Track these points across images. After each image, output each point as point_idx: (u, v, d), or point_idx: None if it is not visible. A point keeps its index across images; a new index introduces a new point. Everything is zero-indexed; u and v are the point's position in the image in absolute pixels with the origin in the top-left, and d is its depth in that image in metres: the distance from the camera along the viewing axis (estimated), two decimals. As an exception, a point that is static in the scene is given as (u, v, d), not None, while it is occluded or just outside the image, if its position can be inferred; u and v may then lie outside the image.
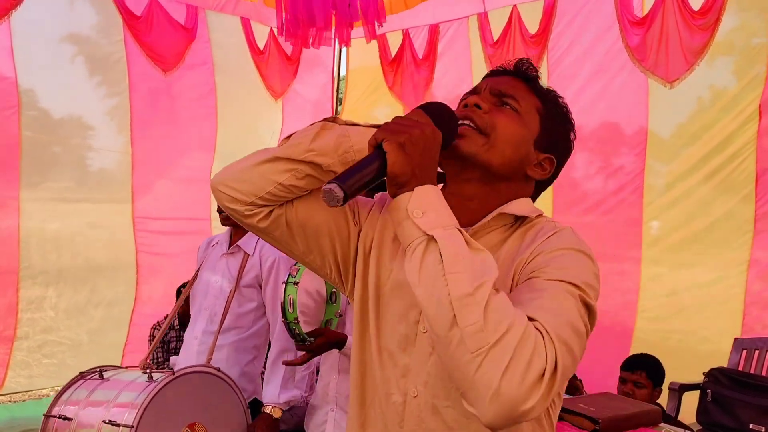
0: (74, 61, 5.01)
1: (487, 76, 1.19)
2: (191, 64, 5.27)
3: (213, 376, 2.57)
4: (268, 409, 2.71)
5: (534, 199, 1.19)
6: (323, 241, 1.16)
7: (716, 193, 4.37)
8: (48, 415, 2.50)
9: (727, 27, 4.13)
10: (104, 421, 2.33)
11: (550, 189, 4.48)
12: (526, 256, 1.03)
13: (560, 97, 1.19)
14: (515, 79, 1.15)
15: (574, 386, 3.62)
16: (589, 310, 0.97)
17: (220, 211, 2.89)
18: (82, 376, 2.63)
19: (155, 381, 2.42)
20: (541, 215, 1.14)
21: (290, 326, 2.30)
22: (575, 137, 1.21)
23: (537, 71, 1.18)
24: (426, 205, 0.93)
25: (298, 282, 2.29)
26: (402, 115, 1.05)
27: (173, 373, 2.46)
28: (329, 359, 2.46)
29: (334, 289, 2.35)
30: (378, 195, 1.24)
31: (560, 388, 0.90)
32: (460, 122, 1.08)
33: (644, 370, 3.44)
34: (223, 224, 2.96)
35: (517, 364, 0.82)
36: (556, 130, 1.16)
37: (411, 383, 1.08)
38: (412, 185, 0.95)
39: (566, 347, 0.87)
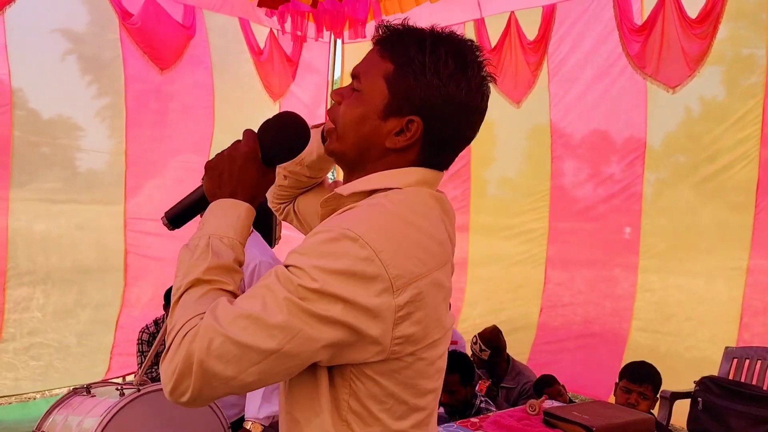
0: (65, 60, 4.96)
1: None
2: (189, 64, 5.23)
3: None
4: (248, 425, 2.61)
5: (432, 162, 1.10)
6: None
7: (707, 202, 4.40)
8: (36, 431, 2.51)
9: (716, 37, 4.17)
10: None
11: (538, 194, 4.43)
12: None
13: (432, 41, 1.06)
14: (372, 49, 1.12)
15: (556, 391, 3.62)
16: (319, 293, 0.93)
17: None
18: (74, 391, 2.60)
19: (124, 397, 2.34)
20: (391, 189, 1.06)
21: None
22: (463, 76, 1.06)
23: (400, 27, 1.10)
24: (204, 219, 1.11)
25: None
26: None
27: (138, 390, 2.35)
28: None
29: None
30: None
31: (220, 378, 0.92)
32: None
33: (651, 383, 3.34)
34: None
35: (168, 354, 0.95)
36: (412, 88, 1.05)
37: None
38: (212, 202, 1.13)
39: (223, 338, 0.91)
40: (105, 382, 2.76)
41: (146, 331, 4.67)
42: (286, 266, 0.97)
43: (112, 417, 2.26)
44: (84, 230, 5.25)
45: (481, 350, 4.12)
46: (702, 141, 4.37)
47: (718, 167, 4.27)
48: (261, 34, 5.73)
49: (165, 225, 1.23)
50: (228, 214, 1.09)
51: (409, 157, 1.09)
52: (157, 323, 4.71)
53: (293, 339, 0.92)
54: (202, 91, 5.39)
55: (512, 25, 5.04)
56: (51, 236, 5.03)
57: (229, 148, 1.15)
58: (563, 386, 3.76)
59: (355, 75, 1.12)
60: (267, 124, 1.17)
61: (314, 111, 6.36)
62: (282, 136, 1.17)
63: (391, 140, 1.08)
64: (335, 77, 6.52)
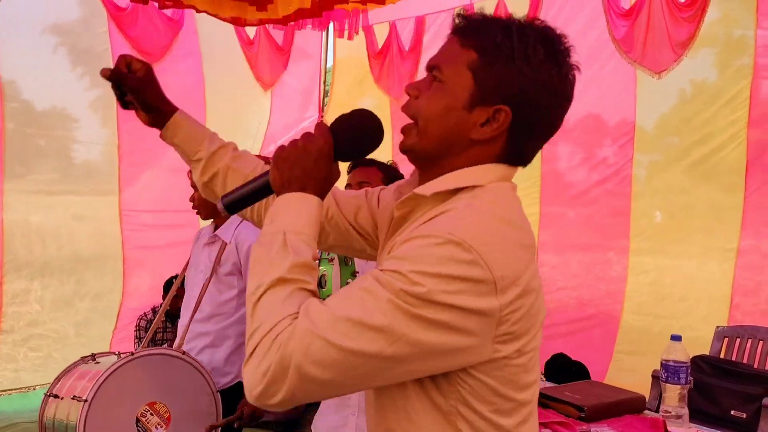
0: (57, 52, 4.96)
1: None
2: (178, 56, 5.23)
3: (178, 359, 2.60)
4: None
5: (517, 155, 1.09)
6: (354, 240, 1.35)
7: (699, 184, 4.43)
8: (47, 395, 2.67)
9: (708, 19, 4.17)
10: (71, 397, 2.46)
11: (532, 179, 4.42)
12: (403, 236, 1.03)
13: (518, 28, 1.04)
14: (451, 38, 1.08)
15: None
16: (424, 298, 0.90)
17: (195, 208, 2.94)
18: (83, 359, 2.75)
19: (118, 360, 2.52)
20: (476, 187, 1.05)
21: None
22: (554, 64, 1.04)
23: (480, 16, 1.07)
24: (274, 214, 1.06)
25: (333, 258, 2.26)
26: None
27: (132, 354, 2.55)
28: None
29: None
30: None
31: (315, 382, 0.90)
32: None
33: None
34: (203, 218, 3.02)
35: (255, 355, 0.92)
36: (499, 76, 1.03)
37: None
38: (281, 194, 1.08)
39: (323, 342, 0.89)
40: (110, 352, 2.90)
41: (144, 318, 4.72)
42: (384, 271, 0.94)
43: (107, 377, 2.44)
44: (81, 221, 5.27)
45: None
46: (694, 123, 4.39)
47: (710, 149, 4.30)
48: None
49: (221, 210, 1.21)
50: (301, 209, 1.06)
51: (494, 150, 1.07)
52: (155, 311, 4.76)
53: (395, 343, 0.90)
54: (192, 81, 5.39)
55: (500, 10, 5.05)
56: (48, 227, 5.05)
57: (302, 140, 1.10)
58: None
59: (434, 66, 1.08)
60: (342, 120, 1.14)
61: (308, 99, 6.36)
62: (357, 134, 1.15)
63: (477, 132, 1.05)
64: (328, 65, 6.52)
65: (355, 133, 1.14)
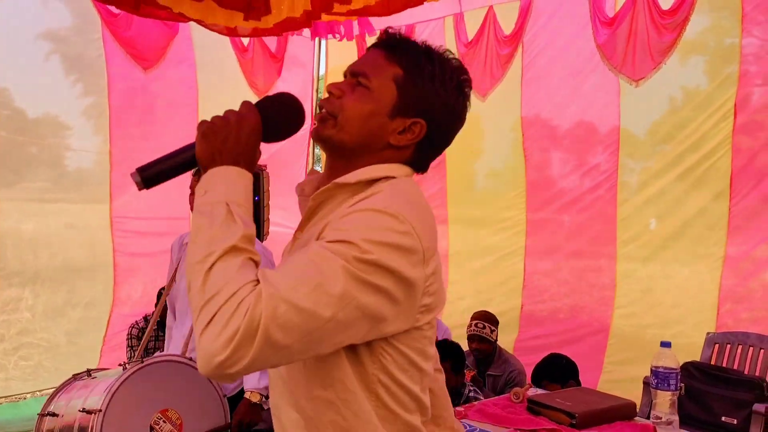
0: (49, 59, 4.96)
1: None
2: (172, 62, 5.23)
3: (185, 365, 2.61)
4: (247, 395, 2.82)
5: (419, 163, 1.22)
6: None
7: (690, 191, 4.45)
8: (41, 414, 2.63)
9: (699, 27, 4.21)
10: (79, 410, 2.43)
11: (522, 187, 4.46)
12: (330, 219, 1.09)
13: (438, 55, 1.18)
14: (376, 51, 1.19)
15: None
16: (374, 264, 0.98)
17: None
18: (74, 377, 2.72)
19: (127, 370, 2.52)
20: (389, 178, 1.15)
21: None
22: (460, 92, 1.19)
23: (403, 36, 1.21)
24: (210, 184, 1.06)
25: None
26: None
27: (142, 362, 2.54)
28: None
29: None
30: None
31: (276, 347, 0.91)
32: (320, 109, 1.20)
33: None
34: None
35: (216, 322, 0.91)
36: (419, 93, 1.16)
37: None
38: (211, 167, 1.08)
39: (287, 305, 0.91)
40: (105, 369, 2.89)
41: (136, 326, 4.70)
42: (332, 242, 0.99)
43: (118, 387, 2.42)
44: (73, 229, 5.25)
45: (491, 331, 4.15)
46: (685, 130, 4.42)
47: (701, 156, 4.33)
48: (245, 30, 5.73)
49: (137, 183, 1.13)
50: (237, 182, 1.07)
51: (404, 155, 1.19)
52: (147, 319, 4.74)
53: (346, 307, 0.96)
54: (186, 88, 5.39)
55: (489, 19, 5.09)
56: (40, 236, 5.03)
57: (234, 115, 1.11)
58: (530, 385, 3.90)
59: (359, 73, 1.17)
60: (269, 102, 1.17)
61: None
62: (283, 117, 1.18)
63: (395, 138, 1.17)
64: (320, 73, 6.54)
65: (283, 115, 1.17)
